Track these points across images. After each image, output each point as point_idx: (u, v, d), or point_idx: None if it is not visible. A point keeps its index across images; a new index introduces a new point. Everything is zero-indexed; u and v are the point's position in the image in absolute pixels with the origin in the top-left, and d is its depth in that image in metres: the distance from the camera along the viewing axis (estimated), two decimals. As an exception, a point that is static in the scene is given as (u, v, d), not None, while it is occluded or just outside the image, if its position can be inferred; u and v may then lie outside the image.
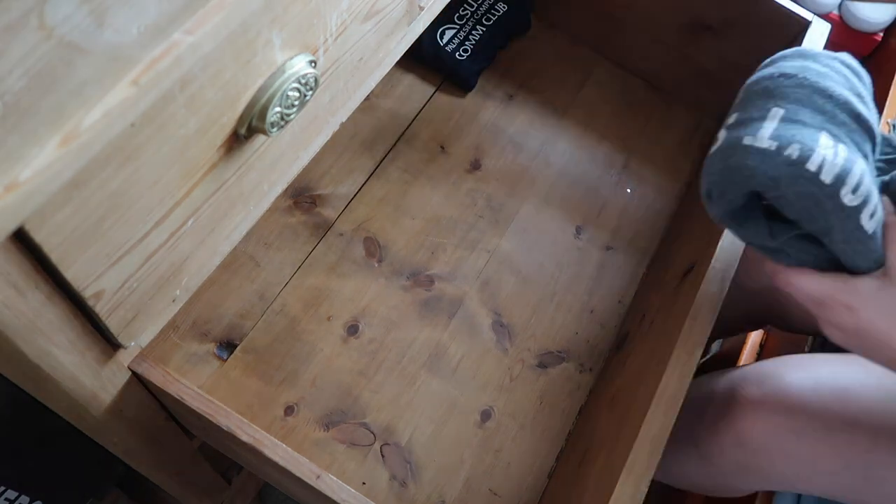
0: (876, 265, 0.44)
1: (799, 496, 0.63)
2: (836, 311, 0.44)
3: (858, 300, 0.43)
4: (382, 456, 0.63)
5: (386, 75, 0.53)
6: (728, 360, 0.97)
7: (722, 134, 0.45)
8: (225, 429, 0.47)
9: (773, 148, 0.42)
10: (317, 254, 0.71)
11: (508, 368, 0.69)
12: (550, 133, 0.84)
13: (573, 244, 0.77)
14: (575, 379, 0.69)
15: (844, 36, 1.36)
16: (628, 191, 0.82)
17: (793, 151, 0.42)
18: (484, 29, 0.86)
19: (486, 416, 0.66)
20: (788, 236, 0.46)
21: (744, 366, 0.61)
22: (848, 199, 0.41)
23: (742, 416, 0.56)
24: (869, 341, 0.44)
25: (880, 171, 0.48)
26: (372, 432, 0.64)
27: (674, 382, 0.51)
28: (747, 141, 0.43)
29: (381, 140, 0.79)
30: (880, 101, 1.00)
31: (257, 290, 0.68)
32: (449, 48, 0.83)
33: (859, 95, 0.46)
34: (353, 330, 0.68)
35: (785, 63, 0.47)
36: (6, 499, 0.62)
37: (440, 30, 0.84)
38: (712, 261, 0.57)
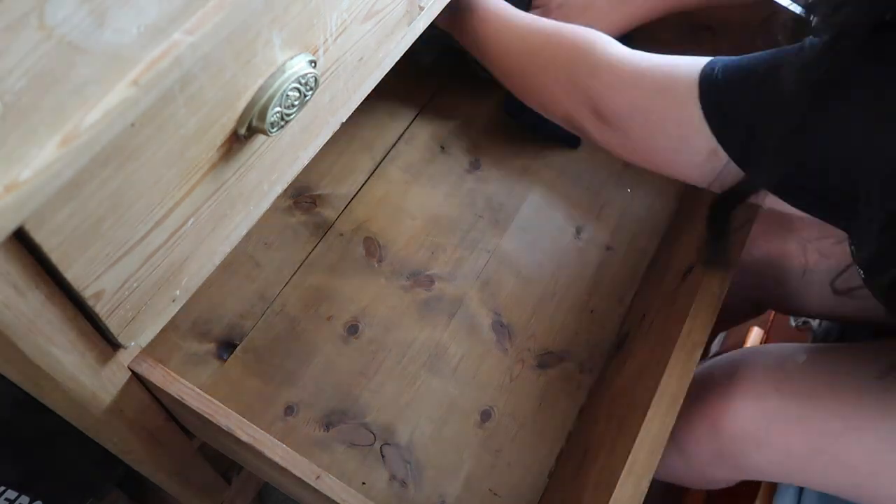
0: None
1: (801, 492, 0.63)
2: None
3: None
4: (382, 456, 0.63)
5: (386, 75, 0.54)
6: (728, 360, 0.97)
7: None
8: (225, 429, 0.47)
9: None
10: (317, 254, 0.71)
11: (508, 368, 0.69)
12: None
13: (573, 244, 0.77)
14: (575, 379, 0.69)
15: (844, 36, 1.35)
16: (628, 191, 0.82)
17: None
18: None
19: (486, 416, 0.66)
20: None
21: (714, 355, 0.61)
22: None
23: (715, 405, 0.56)
24: None
25: None
26: (372, 432, 0.64)
27: (674, 382, 0.51)
28: None
29: (381, 140, 0.79)
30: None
31: (257, 290, 0.68)
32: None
33: None
34: (353, 330, 0.68)
35: None
36: (6, 499, 0.62)
37: None
38: (712, 261, 0.57)
